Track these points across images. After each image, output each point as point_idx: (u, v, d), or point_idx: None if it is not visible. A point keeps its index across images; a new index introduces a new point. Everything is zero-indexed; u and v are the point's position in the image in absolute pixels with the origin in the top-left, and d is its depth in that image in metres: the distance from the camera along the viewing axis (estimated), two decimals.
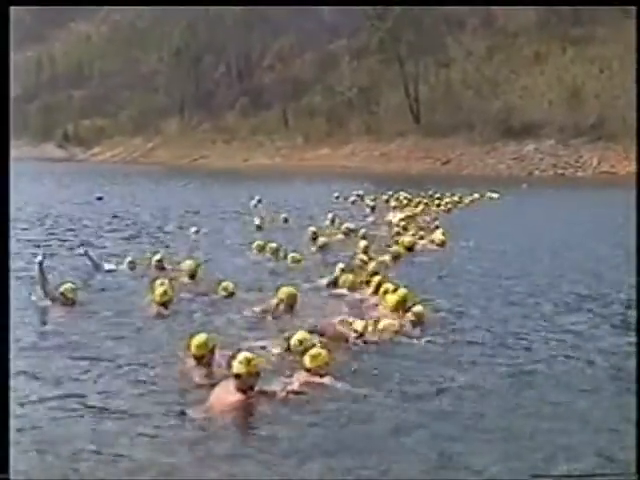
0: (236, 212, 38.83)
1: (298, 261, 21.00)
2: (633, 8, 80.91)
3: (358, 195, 46.82)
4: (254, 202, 41.70)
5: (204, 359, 10.80)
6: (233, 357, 9.97)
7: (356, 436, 9.00)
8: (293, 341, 11.49)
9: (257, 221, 32.05)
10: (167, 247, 24.59)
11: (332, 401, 9.94)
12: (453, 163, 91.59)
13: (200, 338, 10.84)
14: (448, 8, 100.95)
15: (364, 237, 26.08)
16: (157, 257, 20.68)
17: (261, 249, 23.58)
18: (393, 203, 43.77)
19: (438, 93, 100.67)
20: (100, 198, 45.12)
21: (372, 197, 45.54)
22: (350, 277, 17.21)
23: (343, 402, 9.91)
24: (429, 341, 12.80)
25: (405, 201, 44.29)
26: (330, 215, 33.59)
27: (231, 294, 16.29)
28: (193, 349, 10.76)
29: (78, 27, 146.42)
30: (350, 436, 9.00)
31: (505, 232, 31.73)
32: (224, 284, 16.52)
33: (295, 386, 10.26)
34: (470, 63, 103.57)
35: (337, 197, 47.82)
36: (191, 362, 10.91)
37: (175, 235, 29.31)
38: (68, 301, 15.28)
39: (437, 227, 30.15)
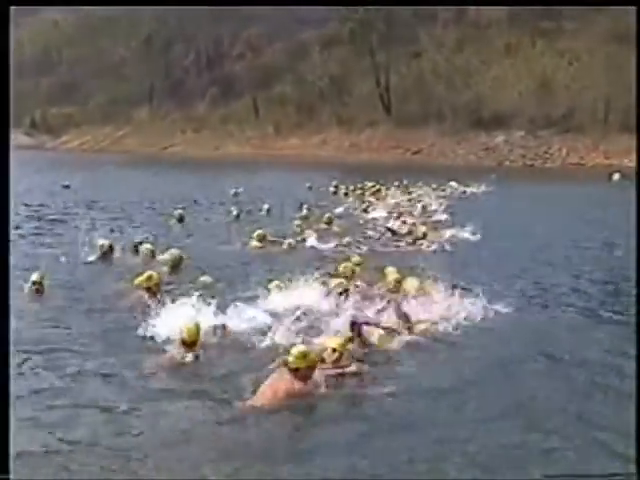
0: (212, 202, 39.66)
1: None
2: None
3: (335, 186, 47.62)
4: (232, 192, 42.59)
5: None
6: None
7: None
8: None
9: (235, 211, 33.14)
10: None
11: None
12: (424, 153, 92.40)
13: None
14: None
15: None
16: (148, 245, 21.27)
17: (261, 238, 24.28)
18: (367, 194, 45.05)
19: (409, 84, 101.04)
20: (67, 186, 45.58)
21: (351, 187, 46.77)
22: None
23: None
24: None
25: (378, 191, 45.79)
26: (305, 205, 34.81)
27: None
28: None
29: (46, 13, 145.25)
30: None
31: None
32: (203, 279, 17.12)
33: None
34: (441, 54, 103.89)
35: (310, 187, 48.81)
36: None
37: (149, 223, 30.08)
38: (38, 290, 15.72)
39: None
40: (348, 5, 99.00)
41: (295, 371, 10.13)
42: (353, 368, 11.22)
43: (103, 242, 21.09)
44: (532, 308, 16.08)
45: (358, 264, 18.13)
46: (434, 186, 49.24)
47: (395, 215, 32.46)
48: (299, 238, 25.19)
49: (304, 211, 33.33)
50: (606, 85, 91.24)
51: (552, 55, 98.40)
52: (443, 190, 48.65)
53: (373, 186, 47.97)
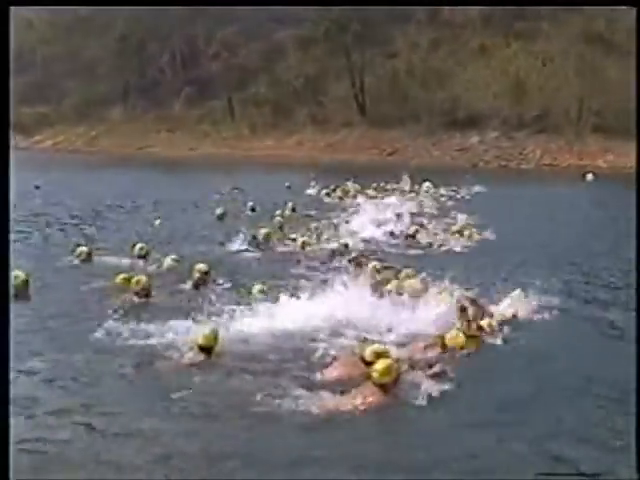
0: (193, 202, 40.37)
1: None
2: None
3: (313, 186, 48.49)
4: (216, 193, 43.27)
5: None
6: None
7: None
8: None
9: (219, 210, 33.90)
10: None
11: None
12: (399, 154, 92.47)
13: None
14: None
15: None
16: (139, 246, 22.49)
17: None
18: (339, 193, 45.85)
19: (384, 84, 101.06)
20: (37, 187, 45.79)
21: (332, 187, 47.75)
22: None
23: None
24: None
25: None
26: (290, 204, 36.28)
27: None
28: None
29: (19, 12, 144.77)
30: None
31: None
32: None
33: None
34: (416, 55, 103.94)
35: (289, 187, 49.57)
36: None
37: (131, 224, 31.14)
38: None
39: None
40: (339, 5, 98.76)
41: (381, 386, 10.64)
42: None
43: (82, 249, 21.94)
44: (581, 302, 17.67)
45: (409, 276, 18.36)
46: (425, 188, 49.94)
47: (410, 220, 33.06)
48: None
49: (288, 211, 34.83)
50: (579, 86, 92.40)
51: (526, 56, 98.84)
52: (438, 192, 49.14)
53: (375, 187, 48.74)
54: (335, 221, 32.44)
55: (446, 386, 11.36)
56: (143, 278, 17.35)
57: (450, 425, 10.42)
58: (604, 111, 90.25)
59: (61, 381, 12.16)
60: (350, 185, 49.43)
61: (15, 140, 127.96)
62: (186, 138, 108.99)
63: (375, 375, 10.55)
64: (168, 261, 20.88)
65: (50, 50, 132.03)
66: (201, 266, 19.39)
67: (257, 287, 17.64)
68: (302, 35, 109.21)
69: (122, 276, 18.35)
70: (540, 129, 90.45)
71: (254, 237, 26.67)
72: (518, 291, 16.45)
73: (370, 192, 47.35)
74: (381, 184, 50.90)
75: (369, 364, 10.95)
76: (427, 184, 51.59)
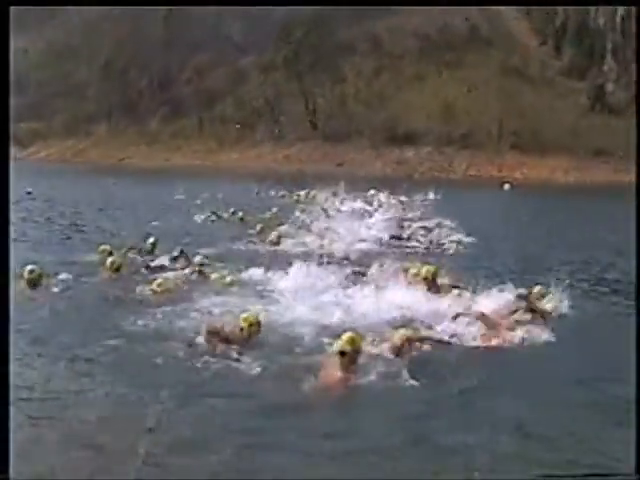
0: (178, 207, 37.07)
1: None
2: None
3: (282, 194, 46.07)
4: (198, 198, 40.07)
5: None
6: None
7: None
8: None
9: (211, 215, 31.47)
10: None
11: None
12: (346, 165, 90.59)
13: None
14: (343, 35, 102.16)
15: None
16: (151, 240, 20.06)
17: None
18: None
19: (333, 105, 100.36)
20: (29, 193, 43.11)
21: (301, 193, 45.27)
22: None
23: None
24: None
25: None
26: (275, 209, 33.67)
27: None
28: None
29: (17, 42, 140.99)
30: None
31: None
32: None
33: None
34: (361, 80, 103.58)
35: (257, 193, 46.68)
36: None
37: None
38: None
39: None
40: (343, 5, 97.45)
41: (342, 355, 9.81)
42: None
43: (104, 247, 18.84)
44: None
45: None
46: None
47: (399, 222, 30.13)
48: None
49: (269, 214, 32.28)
50: (499, 110, 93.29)
51: (454, 84, 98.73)
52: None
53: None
54: (327, 225, 29.21)
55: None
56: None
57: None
58: (520, 131, 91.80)
59: None
60: (317, 192, 46.68)
61: (12, 152, 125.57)
62: (161, 151, 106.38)
63: (339, 343, 9.81)
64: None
65: (43, 74, 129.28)
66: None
67: None
68: (263, 62, 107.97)
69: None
70: (466, 145, 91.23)
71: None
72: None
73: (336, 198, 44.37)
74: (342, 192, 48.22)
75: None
76: (372, 191, 48.91)
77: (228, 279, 15.71)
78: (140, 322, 12.36)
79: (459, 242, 24.95)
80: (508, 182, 69.68)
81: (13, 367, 9.23)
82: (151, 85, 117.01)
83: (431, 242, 25.26)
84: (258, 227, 26.02)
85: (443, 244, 24.77)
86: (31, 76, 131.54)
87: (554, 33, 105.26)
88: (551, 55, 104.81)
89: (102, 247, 18.70)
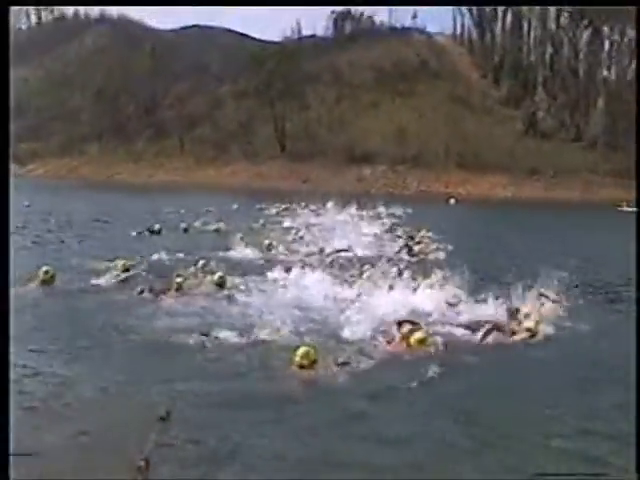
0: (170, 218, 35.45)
1: None
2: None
3: (260, 207, 44.89)
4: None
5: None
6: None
7: None
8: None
9: (184, 225, 29.99)
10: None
11: None
12: (310, 182, 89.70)
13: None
14: (308, 66, 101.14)
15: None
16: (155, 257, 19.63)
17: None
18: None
19: (299, 128, 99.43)
20: (28, 206, 41.95)
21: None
22: None
23: None
24: None
25: None
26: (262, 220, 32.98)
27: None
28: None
29: (17, 72, 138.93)
30: None
31: None
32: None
33: None
34: (323, 107, 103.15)
35: (236, 207, 45.37)
36: None
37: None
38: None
39: None
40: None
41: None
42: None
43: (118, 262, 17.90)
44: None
45: None
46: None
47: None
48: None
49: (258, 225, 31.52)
50: (445, 134, 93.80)
51: (406, 110, 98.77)
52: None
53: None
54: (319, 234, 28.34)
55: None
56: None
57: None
58: (463, 152, 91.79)
59: None
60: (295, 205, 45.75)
61: (13, 169, 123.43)
62: (146, 168, 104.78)
63: (296, 358, 9.79)
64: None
65: (42, 100, 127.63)
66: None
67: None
68: (237, 90, 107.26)
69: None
70: (417, 164, 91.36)
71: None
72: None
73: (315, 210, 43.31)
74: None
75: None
76: (329, 204, 47.98)
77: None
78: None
79: (443, 250, 24.00)
80: (453, 197, 70.14)
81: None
82: (137, 110, 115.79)
83: (419, 252, 24.06)
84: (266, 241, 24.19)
85: (428, 253, 23.75)
86: (31, 102, 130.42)
87: (493, 68, 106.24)
88: (491, 86, 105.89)
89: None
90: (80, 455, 7.09)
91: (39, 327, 11.89)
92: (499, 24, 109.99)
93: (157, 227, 28.61)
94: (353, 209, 41.20)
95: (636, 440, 6.92)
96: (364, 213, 40.44)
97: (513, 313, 12.81)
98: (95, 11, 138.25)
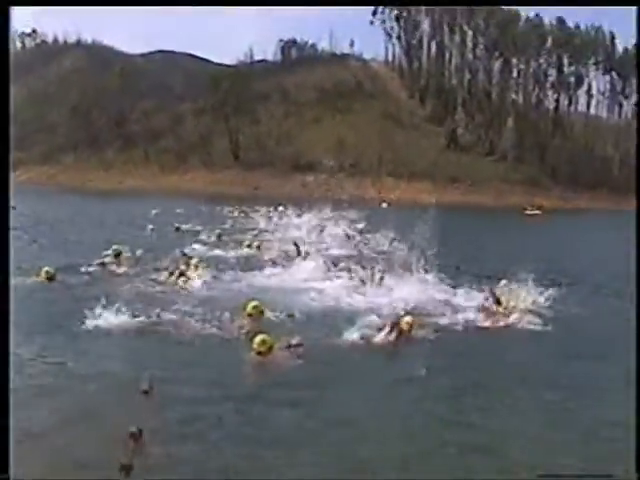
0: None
1: None
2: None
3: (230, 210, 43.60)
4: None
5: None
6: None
7: None
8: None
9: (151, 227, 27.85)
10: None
11: None
12: (261, 188, 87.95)
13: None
14: (259, 87, 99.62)
15: None
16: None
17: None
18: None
19: (251, 141, 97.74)
20: (14, 207, 39.07)
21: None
22: None
23: None
24: None
25: None
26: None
27: None
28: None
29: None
30: None
31: None
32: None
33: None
34: (272, 122, 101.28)
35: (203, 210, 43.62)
36: None
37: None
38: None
39: None
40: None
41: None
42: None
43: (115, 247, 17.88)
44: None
45: None
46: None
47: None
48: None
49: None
50: (378, 146, 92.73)
51: (345, 125, 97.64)
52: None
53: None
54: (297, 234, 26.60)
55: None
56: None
57: None
58: (394, 162, 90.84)
59: None
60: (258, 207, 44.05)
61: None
62: (116, 175, 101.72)
63: (254, 346, 9.38)
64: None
65: (25, 115, 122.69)
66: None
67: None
68: (196, 107, 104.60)
69: None
70: (354, 172, 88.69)
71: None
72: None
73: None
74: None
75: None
76: (280, 208, 46.26)
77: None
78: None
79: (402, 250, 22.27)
80: (385, 201, 69.44)
81: None
82: (108, 123, 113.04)
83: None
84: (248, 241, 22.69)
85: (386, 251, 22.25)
86: (17, 116, 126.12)
87: (419, 90, 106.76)
88: (417, 106, 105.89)
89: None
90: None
91: None
92: (425, 52, 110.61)
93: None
94: (313, 212, 39.33)
95: (636, 440, 6.22)
96: (324, 215, 38.51)
97: (498, 299, 12.50)
98: (72, 37, 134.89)
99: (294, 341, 9.79)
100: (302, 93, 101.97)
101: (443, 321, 11.59)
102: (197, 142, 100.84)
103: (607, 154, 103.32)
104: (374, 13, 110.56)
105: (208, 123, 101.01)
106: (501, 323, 11.61)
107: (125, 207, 44.24)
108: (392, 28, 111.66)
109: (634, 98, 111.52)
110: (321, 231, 28.11)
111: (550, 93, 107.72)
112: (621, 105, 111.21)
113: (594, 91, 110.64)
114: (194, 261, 16.11)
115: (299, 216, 38.36)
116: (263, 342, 9.44)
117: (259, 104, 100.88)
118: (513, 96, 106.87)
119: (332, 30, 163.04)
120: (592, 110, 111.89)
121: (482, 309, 12.28)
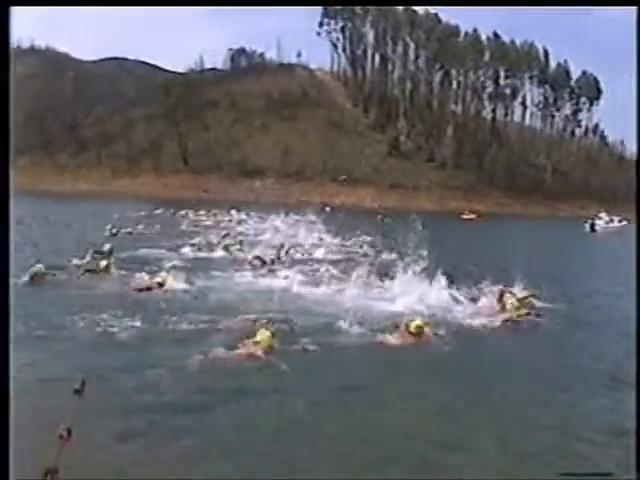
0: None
1: None
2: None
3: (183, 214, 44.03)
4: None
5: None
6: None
7: None
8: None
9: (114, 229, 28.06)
10: None
11: None
12: (210, 192, 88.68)
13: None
14: (209, 94, 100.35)
15: None
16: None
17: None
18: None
19: (200, 147, 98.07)
20: None
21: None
22: None
23: None
24: None
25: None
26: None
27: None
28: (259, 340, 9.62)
29: None
30: None
31: None
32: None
33: None
34: (221, 128, 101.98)
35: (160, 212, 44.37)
36: None
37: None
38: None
39: None
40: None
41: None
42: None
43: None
44: None
45: None
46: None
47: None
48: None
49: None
50: (323, 153, 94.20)
51: (291, 132, 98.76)
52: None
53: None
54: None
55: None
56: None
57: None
58: (338, 168, 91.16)
59: None
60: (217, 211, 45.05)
61: None
62: (69, 179, 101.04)
63: (258, 339, 9.46)
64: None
65: None
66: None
67: None
68: (148, 113, 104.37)
69: None
70: (299, 178, 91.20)
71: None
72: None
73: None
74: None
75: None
76: (232, 211, 47.68)
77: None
78: None
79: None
80: (327, 206, 70.67)
81: None
82: (62, 128, 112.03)
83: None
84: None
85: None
86: None
87: (363, 99, 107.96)
88: (361, 114, 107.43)
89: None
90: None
91: None
92: (369, 63, 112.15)
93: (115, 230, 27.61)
94: (279, 216, 39.69)
95: (636, 440, 6.26)
96: (290, 219, 38.87)
97: (500, 297, 12.96)
98: (26, 43, 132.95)
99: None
100: (250, 101, 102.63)
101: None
102: (148, 147, 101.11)
103: (540, 163, 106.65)
104: (321, 24, 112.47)
105: (159, 128, 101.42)
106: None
107: (79, 210, 44.89)
108: (338, 39, 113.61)
109: (567, 110, 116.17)
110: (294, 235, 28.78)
111: (487, 104, 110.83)
112: (553, 116, 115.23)
113: (528, 103, 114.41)
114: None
115: (264, 220, 39.17)
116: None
117: (208, 111, 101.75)
118: (452, 106, 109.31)
119: (280, 40, 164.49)
120: (527, 121, 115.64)
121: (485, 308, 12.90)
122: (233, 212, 47.49)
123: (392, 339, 10.39)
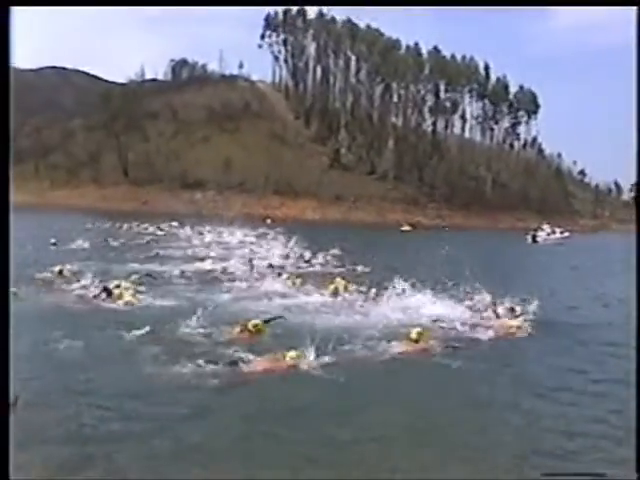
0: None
1: None
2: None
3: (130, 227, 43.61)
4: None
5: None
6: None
7: None
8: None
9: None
10: None
11: None
12: (150, 204, 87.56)
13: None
14: (149, 105, 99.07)
15: None
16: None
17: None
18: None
19: (140, 158, 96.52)
20: None
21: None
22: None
23: None
24: None
25: None
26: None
27: None
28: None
29: None
30: None
31: None
32: None
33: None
34: (161, 140, 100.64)
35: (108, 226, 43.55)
36: None
37: None
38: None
39: None
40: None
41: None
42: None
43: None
44: None
45: None
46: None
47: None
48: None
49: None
50: (265, 165, 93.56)
51: (232, 144, 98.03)
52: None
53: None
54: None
55: None
56: None
57: None
58: (280, 181, 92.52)
59: None
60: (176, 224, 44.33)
61: None
62: None
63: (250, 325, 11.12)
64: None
65: None
66: None
67: None
68: (87, 124, 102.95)
69: None
70: (241, 190, 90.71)
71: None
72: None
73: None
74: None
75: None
76: (173, 223, 46.94)
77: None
78: None
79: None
80: (270, 218, 70.51)
81: None
82: None
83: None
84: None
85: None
86: None
87: (305, 111, 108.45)
88: (302, 127, 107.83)
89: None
90: None
91: None
92: (310, 75, 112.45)
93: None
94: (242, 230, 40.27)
95: (636, 440, 6.13)
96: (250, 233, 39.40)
97: (495, 310, 13.26)
98: None
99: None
100: (191, 112, 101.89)
101: None
102: (87, 158, 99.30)
103: (480, 175, 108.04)
104: (262, 37, 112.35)
105: (99, 139, 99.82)
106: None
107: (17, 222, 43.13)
108: (279, 51, 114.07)
109: (505, 123, 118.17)
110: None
111: (428, 117, 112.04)
112: (492, 129, 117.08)
113: (468, 116, 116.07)
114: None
115: (232, 234, 39.04)
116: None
117: (149, 122, 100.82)
118: (393, 119, 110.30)
119: (222, 51, 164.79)
120: (467, 133, 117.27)
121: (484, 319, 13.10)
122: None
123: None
